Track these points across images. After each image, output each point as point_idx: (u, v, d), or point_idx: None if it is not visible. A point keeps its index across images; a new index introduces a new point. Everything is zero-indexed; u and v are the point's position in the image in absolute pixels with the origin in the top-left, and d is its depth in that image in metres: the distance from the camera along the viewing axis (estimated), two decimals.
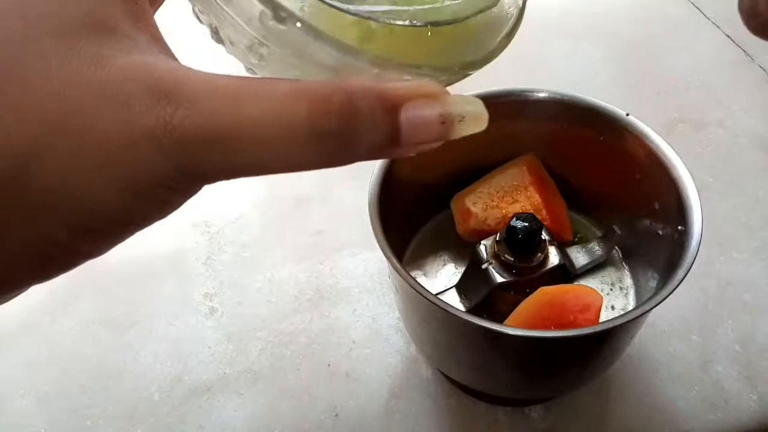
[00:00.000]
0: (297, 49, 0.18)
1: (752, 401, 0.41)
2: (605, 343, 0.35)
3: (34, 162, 0.16)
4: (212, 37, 0.21)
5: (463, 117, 0.19)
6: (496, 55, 0.21)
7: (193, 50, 0.30)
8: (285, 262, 0.49)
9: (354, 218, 0.51)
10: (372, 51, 0.19)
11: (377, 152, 0.18)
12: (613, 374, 0.42)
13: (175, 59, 0.19)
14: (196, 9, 0.20)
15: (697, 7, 0.71)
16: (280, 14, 0.17)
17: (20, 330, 0.46)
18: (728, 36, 0.67)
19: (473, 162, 0.44)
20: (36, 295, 0.47)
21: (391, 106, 0.18)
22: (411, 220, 0.45)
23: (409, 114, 0.18)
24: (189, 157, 0.17)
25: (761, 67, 0.64)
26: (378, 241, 0.34)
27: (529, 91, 0.42)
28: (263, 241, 0.50)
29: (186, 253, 0.50)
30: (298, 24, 0.17)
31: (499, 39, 0.22)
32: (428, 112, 0.18)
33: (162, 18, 0.22)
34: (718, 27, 0.68)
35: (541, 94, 0.41)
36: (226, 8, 0.18)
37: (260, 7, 0.17)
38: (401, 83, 0.18)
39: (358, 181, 0.53)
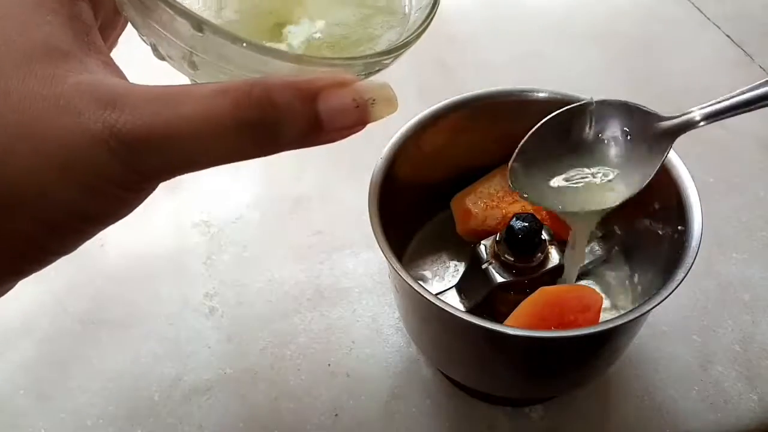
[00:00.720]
0: (219, 53, 0.21)
1: (752, 401, 0.41)
2: (605, 343, 0.35)
3: (1, 165, 0.19)
4: (154, 54, 0.23)
5: (374, 100, 0.21)
6: (410, 46, 0.23)
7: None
8: (285, 262, 0.49)
9: (354, 218, 0.51)
10: (287, 48, 0.21)
11: (302, 139, 0.21)
12: (613, 374, 0.42)
13: (123, 78, 0.22)
14: (140, 33, 0.23)
15: (697, 7, 0.71)
16: (200, 25, 0.20)
17: (20, 330, 0.46)
18: (728, 36, 0.67)
19: (473, 162, 0.44)
20: (36, 295, 0.47)
21: (308, 96, 0.20)
22: (411, 220, 0.45)
23: (325, 102, 0.20)
24: (134, 155, 0.19)
25: (761, 68, 0.64)
26: (378, 241, 0.34)
27: (529, 91, 0.41)
28: (263, 241, 0.50)
29: (186, 253, 0.50)
30: (214, 31, 0.19)
31: (411, 32, 0.24)
32: (342, 98, 0.20)
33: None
34: (719, 27, 0.68)
35: (541, 94, 0.41)
36: (157, 26, 0.21)
37: (181, 20, 0.20)
38: (317, 75, 0.20)
39: (358, 181, 0.53)
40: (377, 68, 0.23)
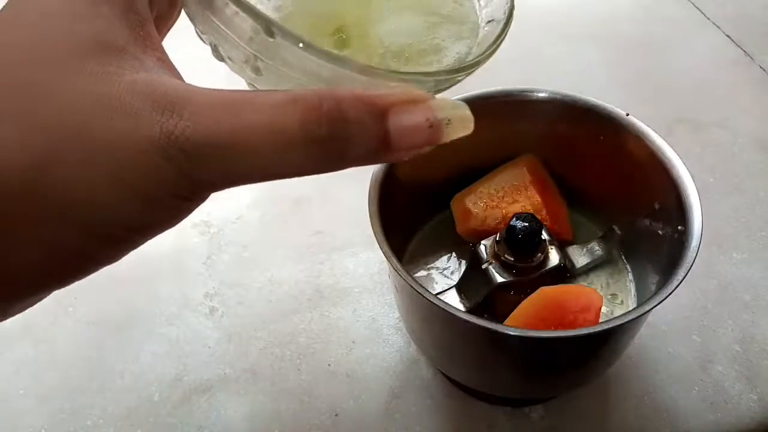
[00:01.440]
0: (287, 61, 0.20)
1: (752, 401, 0.41)
2: (605, 343, 0.35)
3: (49, 170, 0.17)
4: (213, 54, 0.22)
5: (449, 120, 0.19)
6: (483, 63, 0.22)
7: (203, 71, 0.31)
8: (285, 262, 0.49)
9: (354, 218, 0.51)
10: (360, 59, 0.20)
11: (369, 157, 0.19)
12: (613, 374, 0.42)
13: (180, 78, 0.20)
14: (198, 29, 0.22)
15: (697, 7, 0.71)
16: (271, 29, 0.18)
17: (20, 330, 0.46)
18: (728, 36, 0.67)
19: (473, 162, 0.44)
20: None
21: (379, 112, 0.19)
22: (411, 220, 0.45)
23: (396, 119, 0.19)
24: (192, 164, 0.18)
25: (761, 67, 0.64)
26: (378, 241, 0.34)
27: (529, 91, 0.42)
28: (263, 241, 0.50)
29: (186, 253, 0.50)
30: (286, 37, 0.18)
31: (485, 48, 0.23)
32: (415, 116, 0.19)
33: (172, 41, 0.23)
34: (719, 27, 0.69)
35: (542, 94, 0.41)
36: (222, 26, 0.20)
37: (252, 23, 0.19)
38: (389, 90, 0.19)
39: (358, 181, 0.53)
40: (447, 85, 0.22)
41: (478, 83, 0.44)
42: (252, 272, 0.48)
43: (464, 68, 0.21)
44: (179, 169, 0.18)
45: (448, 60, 0.24)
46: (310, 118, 0.18)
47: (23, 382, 0.43)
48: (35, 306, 0.50)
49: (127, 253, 0.20)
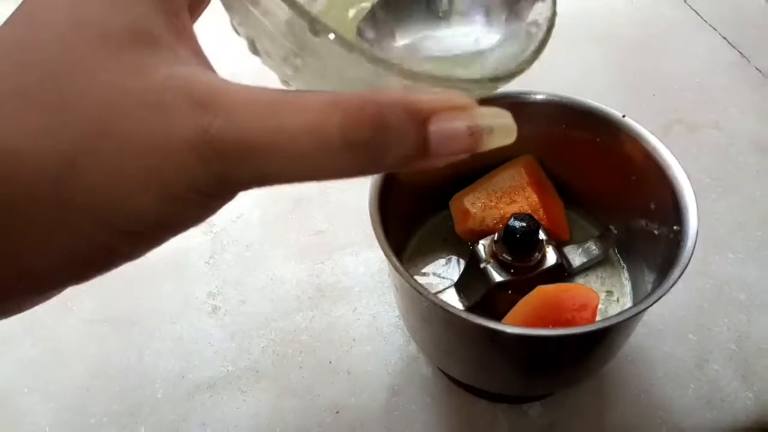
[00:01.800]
0: (330, 61, 0.19)
1: (748, 399, 0.42)
2: (602, 341, 0.36)
3: (79, 164, 0.17)
4: (249, 48, 0.21)
5: (492, 129, 0.19)
6: (526, 68, 0.21)
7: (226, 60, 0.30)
8: (287, 262, 0.49)
9: (354, 218, 0.51)
10: (402, 63, 0.19)
11: (406, 163, 0.19)
12: (609, 372, 0.43)
13: (214, 72, 0.19)
14: (234, 22, 0.21)
15: (693, 9, 0.71)
16: (315, 27, 0.18)
17: (24, 328, 0.46)
18: (724, 38, 0.68)
19: (472, 163, 0.44)
20: None
21: (420, 118, 0.18)
22: (411, 220, 0.45)
23: (437, 126, 0.18)
24: (226, 165, 0.18)
25: (757, 69, 0.64)
26: (378, 241, 0.34)
27: (527, 93, 0.42)
28: (265, 241, 0.51)
29: (189, 252, 0.50)
30: (332, 36, 0.18)
31: (528, 52, 0.22)
32: (457, 124, 0.18)
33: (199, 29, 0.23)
34: (715, 29, 0.69)
35: (539, 96, 0.42)
36: (264, 20, 0.19)
37: (297, 20, 0.18)
38: (431, 95, 0.18)
39: (358, 181, 0.54)
40: (489, 92, 0.21)
41: None
42: (254, 271, 0.49)
43: (508, 75, 0.21)
44: (212, 168, 0.17)
45: (490, 66, 0.23)
46: (352, 122, 0.17)
47: (27, 381, 0.43)
48: (39, 305, 0.51)
49: (149, 250, 0.20)
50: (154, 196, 0.17)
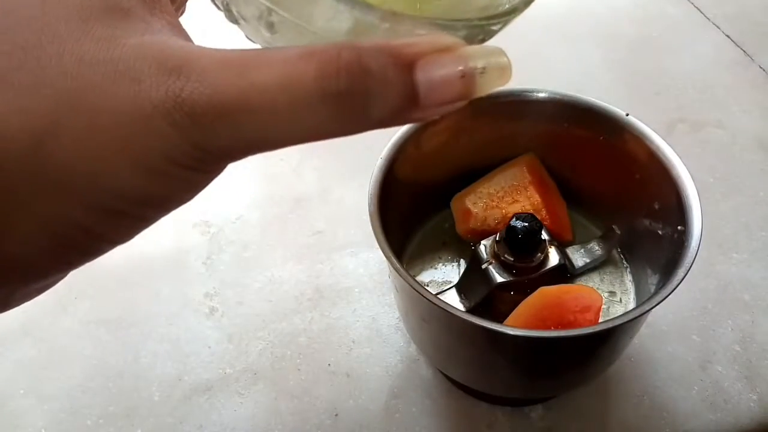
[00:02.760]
0: (304, 10, 0.18)
1: (752, 401, 0.41)
2: (605, 343, 0.35)
3: (49, 139, 0.16)
4: (227, 17, 0.20)
5: (484, 68, 0.17)
6: (522, 9, 0.19)
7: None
8: (285, 262, 0.49)
9: (354, 218, 0.51)
10: (383, 5, 0.18)
11: (395, 115, 0.17)
12: (612, 374, 0.42)
13: (190, 41, 0.19)
14: None
15: (696, 7, 0.71)
16: None
17: (20, 330, 0.46)
18: (728, 36, 0.67)
19: (473, 162, 0.44)
20: None
21: (405, 63, 0.17)
22: (411, 220, 0.45)
23: (425, 70, 0.17)
24: (201, 130, 0.17)
25: (761, 67, 0.64)
26: (378, 241, 0.34)
27: (529, 91, 0.42)
28: (263, 241, 0.50)
29: (186, 253, 0.50)
30: None
31: None
32: (445, 66, 0.17)
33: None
34: (718, 27, 0.69)
35: (541, 94, 0.42)
36: None
37: None
38: (415, 39, 0.17)
39: (358, 181, 0.54)
40: (481, 36, 0.19)
41: None
42: (252, 272, 0.48)
43: (501, 15, 0.19)
44: (186, 136, 0.17)
45: (479, 4, 0.21)
46: (327, 70, 0.16)
47: (23, 382, 0.43)
48: (35, 305, 0.50)
49: (138, 231, 0.19)
50: (130, 171, 0.17)
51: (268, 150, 0.18)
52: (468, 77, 0.17)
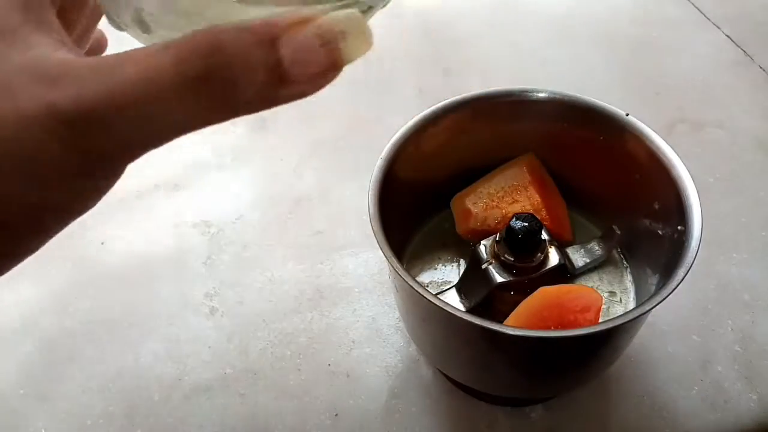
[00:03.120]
0: (166, 6, 0.18)
1: (752, 401, 0.41)
2: (605, 343, 0.35)
3: None
4: (111, 24, 0.21)
5: (344, 33, 0.18)
6: None
7: None
8: (285, 262, 0.49)
9: (354, 218, 0.51)
10: None
11: (265, 95, 0.18)
12: (612, 374, 0.42)
13: (80, 56, 0.19)
14: (103, 6, 0.21)
15: (696, 8, 0.71)
16: None
17: (20, 329, 0.46)
18: (728, 36, 0.67)
19: (473, 162, 0.44)
20: (35, 294, 0.47)
21: (267, 39, 0.17)
22: (411, 220, 0.45)
23: (286, 44, 0.17)
24: (77, 135, 0.17)
25: (761, 68, 0.64)
26: (378, 241, 0.34)
27: (529, 91, 0.42)
28: (263, 241, 0.50)
29: (186, 253, 0.50)
30: None
31: None
32: (306, 36, 0.17)
33: None
34: (718, 27, 0.68)
35: (541, 94, 0.41)
36: None
37: None
38: (275, 17, 0.17)
39: (357, 181, 0.54)
40: (354, 9, 0.19)
41: (478, 83, 0.44)
42: (252, 272, 0.48)
43: None
44: (64, 142, 0.17)
45: None
46: (183, 56, 0.17)
47: (23, 382, 0.43)
48: (35, 305, 0.50)
49: (44, 242, 0.20)
50: (15, 182, 0.17)
51: (153, 146, 0.18)
52: (330, 44, 0.17)
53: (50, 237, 0.20)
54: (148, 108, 0.17)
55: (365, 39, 0.18)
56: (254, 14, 0.17)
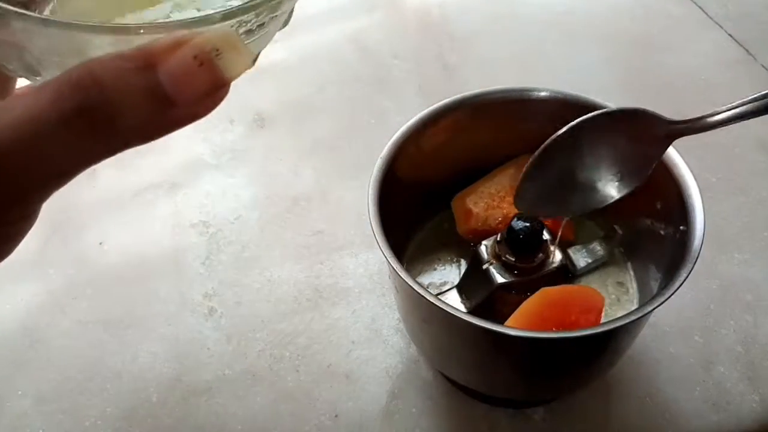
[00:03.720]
0: (41, 45, 0.18)
1: (754, 402, 0.41)
2: (607, 344, 0.35)
3: None
4: (5, 72, 0.20)
5: (217, 50, 0.17)
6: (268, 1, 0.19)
7: None
8: (284, 263, 0.49)
9: (354, 218, 0.51)
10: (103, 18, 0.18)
11: (153, 122, 0.18)
12: (614, 375, 0.42)
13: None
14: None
15: (698, 6, 0.71)
16: (2, 15, 0.17)
17: (18, 330, 0.45)
18: (730, 35, 0.67)
19: (474, 162, 0.44)
20: (35, 295, 0.47)
21: (143, 65, 0.17)
22: (411, 220, 0.44)
23: (164, 67, 0.17)
24: None
25: (763, 66, 0.64)
26: (378, 241, 0.34)
27: (530, 91, 0.41)
28: (262, 241, 0.50)
29: (185, 253, 0.50)
30: (17, 17, 0.17)
31: None
32: (180, 58, 0.17)
33: None
34: (720, 26, 0.68)
35: (542, 94, 0.41)
36: None
37: None
38: (151, 42, 0.17)
39: (357, 181, 0.53)
40: (244, 29, 0.19)
41: (478, 82, 0.44)
42: (251, 272, 0.48)
43: (244, 8, 0.18)
44: None
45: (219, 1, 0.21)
46: (60, 91, 0.17)
47: (21, 383, 0.43)
48: (34, 306, 0.50)
49: None
50: None
51: (52, 186, 0.18)
52: (206, 63, 0.17)
53: None
54: (35, 147, 0.17)
55: (239, 52, 0.18)
56: (136, 43, 0.17)
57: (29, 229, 0.19)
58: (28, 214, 0.19)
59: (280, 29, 0.21)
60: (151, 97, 0.17)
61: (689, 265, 0.33)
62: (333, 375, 0.43)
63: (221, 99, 0.18)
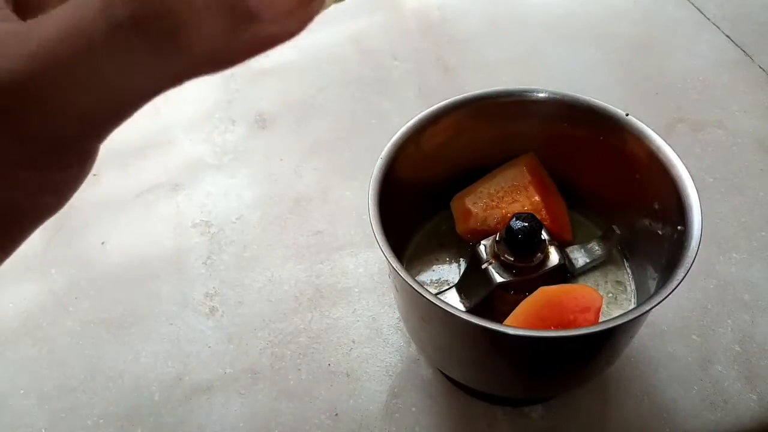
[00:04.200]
0: None
1: (752, 401, 0.41)
2: (605, 343, 0.35)
3: None
4: None
5: None
6: None
7: None
8: (285, 262, 0.49)
9: (354, 218, 0.51)
10: None
11: (230, 40, 0.14)
12: (612, 374, 0.42)
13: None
14: None
15: (696, 8, 0.71)
16: None
17: (21, 330, 0.46)
18: (728, 36, 0.67)
19: (473, 162, 0.44)
20: (36, 294, 0.47)
21: None
22: (411, 220, 0.45)
23: None
24: (12, 120, 0.14)
25: (761, 68, 0.64)
26: (378, 241, 0.34)
27: (529, 91, 0.41)
28: (263, 241, 0.50)
29: (186, 253, 0.50)
30: None
31: None
32: None
33: None
34: (718, 27, 0.68)
35: (541, 94, 0.41)
36: None
37: None
38: None
39: (358, 181, 0.54)
40: None
41: (478, 83, 0.44)
42: (252, 272, 0.48)
43: None
44: (3, 132, 0.14)
45: None
46: (111, 0, 0.13)
47: (23, 382, 0.43)
48: (36, 306, 0.51)
49: (19, 240, 0.17)
50: None
51: (109, 118, 0.15)
52: None
53: (24, 237, 0.17)
54: (84, 67, 0.14)
55: None
56: None
57: (88, 172, 0.16)
58: (84, 155, 0.16)
59: None
60: (227, 7, 0.14)
61: (687, 265, 0.33)
62: (333, 374, 0.43)
63: (307, 21, 0.15)
